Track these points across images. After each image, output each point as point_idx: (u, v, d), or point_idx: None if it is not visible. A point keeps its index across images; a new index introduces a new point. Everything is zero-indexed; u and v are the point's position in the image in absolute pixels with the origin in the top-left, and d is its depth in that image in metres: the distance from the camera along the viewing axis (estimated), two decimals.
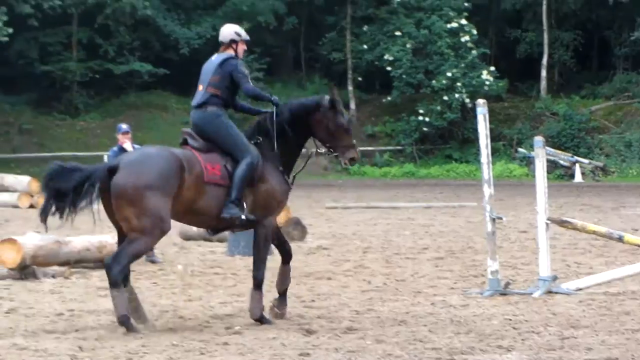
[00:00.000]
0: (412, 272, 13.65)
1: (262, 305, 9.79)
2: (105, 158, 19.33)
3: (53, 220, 9.30)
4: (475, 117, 12.17)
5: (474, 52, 48.33)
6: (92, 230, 11.27)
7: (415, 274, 13.46)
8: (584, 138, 46.72)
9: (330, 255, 15.94)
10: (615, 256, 15.09)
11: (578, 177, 41.57)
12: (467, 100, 46.23)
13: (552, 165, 39.95)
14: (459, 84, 47.15)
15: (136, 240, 9.17)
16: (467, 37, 48.35)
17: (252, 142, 9.89)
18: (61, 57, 47.94)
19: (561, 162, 42.47)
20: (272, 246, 10.47)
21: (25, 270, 12.88)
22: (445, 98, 47.29)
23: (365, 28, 50.41)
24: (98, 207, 9.33)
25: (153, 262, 14.68)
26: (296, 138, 10.07)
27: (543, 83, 51.03)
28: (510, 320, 9.79)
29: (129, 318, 9.16)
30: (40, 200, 18.10)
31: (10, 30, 41.77)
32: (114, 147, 15.26)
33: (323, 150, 10.19)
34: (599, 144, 46.58)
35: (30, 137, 45.94)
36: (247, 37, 10.26)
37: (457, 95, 47.16)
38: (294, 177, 10.24)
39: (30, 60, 47.02)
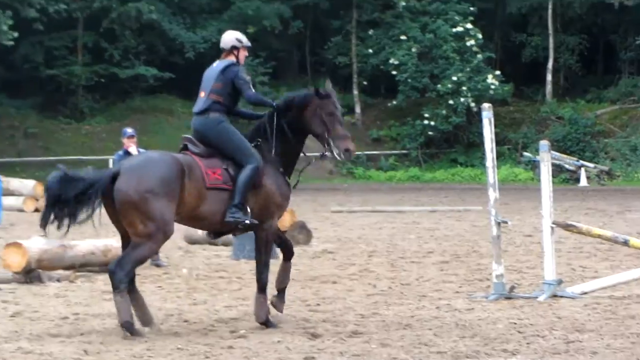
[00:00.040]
0: (417, 276, 13.64)
1: (267, 309, 9.79)
2: (111, 162, 19.37)
3: (55, 227, 9.31)
4: (480, 121, 12.16)
5: (479, 56, 48.30)
6: (97, 234, 11.27)
7: (420, 278, 13.45)
8: (589, 142, 46.65)
9: (336, 259, 15.93)
10: (621, 260, 15.06)
11: (583, 181, 41.54)
12: (473, 104, 46.26)
13: (557, 169, 39.91)
14: (464, 88, 47.13)
15: (140, 245, 9.18)
16: (472, 41, 48.34)
17: (252, 144, 9.88)
18: (66, 61, 48.03)
19: (566, 166, 42.40)
20: (277, 249, 10.45)
21: (30, 274, 12.90)
22: (451, 102, 47.28)
23: (370, 32, 50.44)
24: (100, 211, 9.33)
25: (158, 265, 14.69)
26: (294, 136, 9.99)
27: (548, 87, 51.00)
28: (515, 324, 9.78)
29: (133, 324, 9.17)
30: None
31: (16, 34, 41.78)
32: (120, 151, 15.31)
33: (325, 153, 10.06)
34: (605, 148, 46.51)
35: (35, 141, 45.97)
36: (249, 44, 10.24)
37: (462, 99, 47.16)
38: (298, 181, 10.24)
39: (35, 64, 47.06)
